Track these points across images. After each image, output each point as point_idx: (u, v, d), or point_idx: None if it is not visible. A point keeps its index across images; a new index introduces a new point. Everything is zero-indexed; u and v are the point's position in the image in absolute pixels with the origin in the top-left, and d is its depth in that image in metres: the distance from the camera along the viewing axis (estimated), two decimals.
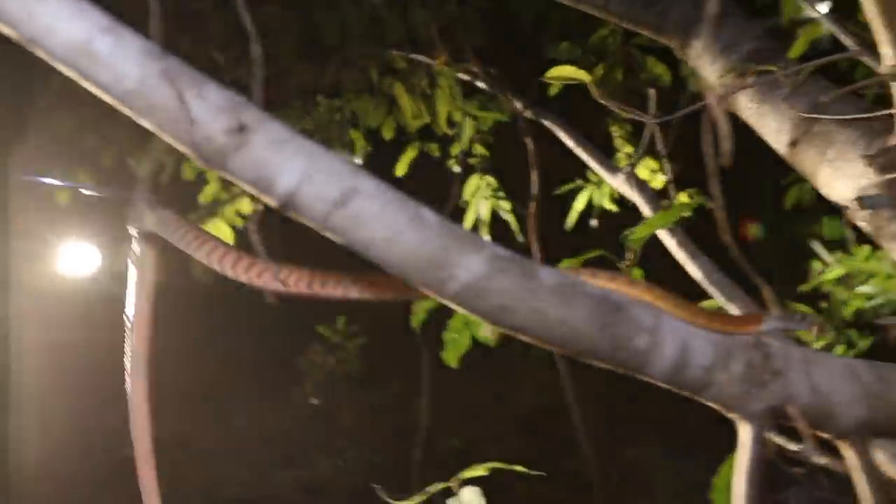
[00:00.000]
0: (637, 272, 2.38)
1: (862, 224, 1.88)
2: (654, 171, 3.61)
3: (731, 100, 2.22)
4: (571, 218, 3.75)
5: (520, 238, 3.97)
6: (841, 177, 1.87)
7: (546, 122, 3.22)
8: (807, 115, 1.93)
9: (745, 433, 0.97)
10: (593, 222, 3.85)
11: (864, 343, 2.45)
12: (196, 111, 0.80)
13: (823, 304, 3.57)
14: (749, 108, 2.15)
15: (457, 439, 5.21)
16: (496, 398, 5.65)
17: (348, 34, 4.21)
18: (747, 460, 0.95)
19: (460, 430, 5.25)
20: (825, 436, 1.01)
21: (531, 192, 3.23)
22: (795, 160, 2.04)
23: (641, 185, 2.64)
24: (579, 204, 3.77)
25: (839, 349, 2.49)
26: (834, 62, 1.80)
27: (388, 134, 4.38)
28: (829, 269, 3.60)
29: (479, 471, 1.46)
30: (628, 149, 3.78)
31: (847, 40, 1.32)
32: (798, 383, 0.97)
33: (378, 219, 0.84)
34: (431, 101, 3.91)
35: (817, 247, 3.48)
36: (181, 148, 0.81)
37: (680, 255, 2.48)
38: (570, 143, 3.07)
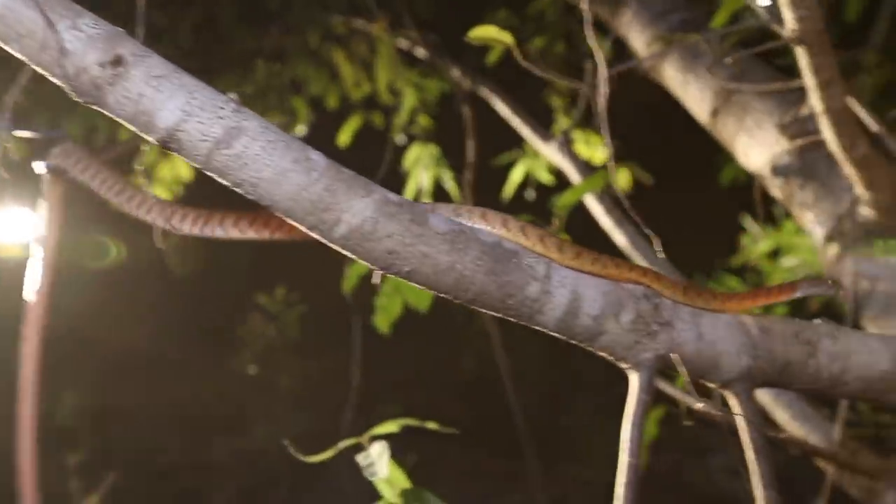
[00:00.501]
0: (565, 237, 2.41)
1: (775, 192, 1.93)
2: (592, 145, 3.64)
3: (658, 69, 2.25)
4: (509, 188, 3.77)
5: None
6: (757, 145, 1.92)
7: (482, 92, 3.21)
8: (727, 86, 1.97)
9: (633, 381, 0.99)
10: (530, 193, 3.87)
11: (779, 311, 2.52)
12: (68, 41, 0.77)
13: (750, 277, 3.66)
14: (674, 77, 2.18)
15: (396, 406, 5.22)
16: (438, 365, 5.67)
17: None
18: (634, 406, 0.97)
19: (400, 396, 5.27)
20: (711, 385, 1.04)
21: (467, 160, 3.23)
22: (716, 129, 2.07)
23: (571, 154, 2.66)
24: (516, 175, 3.78)
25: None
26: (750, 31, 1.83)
27: (332, 102, 4.33)
28: (757, 242, 3.69)
29: (391, 427, 1.47)
30: (566, 121, 3.80)
31: (759, 9, 1.34)
32: (685, 333, 0.99)
33: (262, 159, 0.83)
34: (372, 68, 3.87)
35: (747, 221, 3.55)
36: (56, 81, 0.79)
37: (606, 223, 2.51)
38: (504, 111, 3.07)
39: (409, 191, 3.94)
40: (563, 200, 2.14)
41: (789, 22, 1.24)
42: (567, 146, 2.71)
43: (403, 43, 3.72)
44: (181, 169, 4.61)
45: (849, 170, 1.48)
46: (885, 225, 1.59)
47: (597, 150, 3.69)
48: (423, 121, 4.07)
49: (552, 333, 0.99)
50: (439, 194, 4.02)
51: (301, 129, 4.45)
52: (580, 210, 2.73)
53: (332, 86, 4.29)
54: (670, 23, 2.22)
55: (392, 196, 0.90)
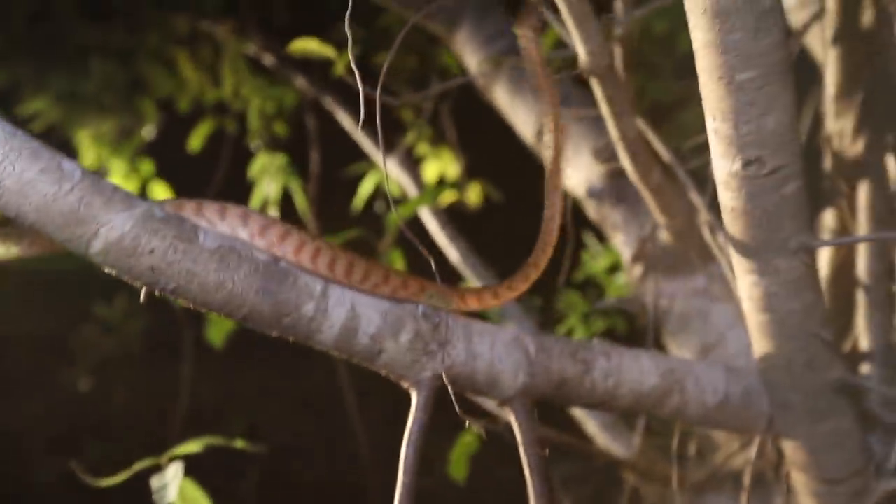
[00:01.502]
0: (396, 254, 2.42)
1: (591, 214, 2.02)
2: (444, 161, 3.70)
3: (490, 90, 2.31)
4: (358, 201, 3.76)
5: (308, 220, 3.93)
6: (576, 169, 2.00)
7: (326, 103, 3.19)
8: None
9: (413, 400, 1.00)
10: (378, 207, 3.88)
11: (598, 326, 2.65)
12: None
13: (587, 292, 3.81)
14: (503, 98, 2.25)
15: (243, 420, 5.08)
16: (286, 378, 5.56)
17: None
18: (411, 426, 0.98)
19: (248, 410, 5.12)
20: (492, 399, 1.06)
21: (311, 171, 3.20)
22: (540, 150, 2.15)
23: (411, 168, 2.69)
24: (365, 187, 3.78)
25: (578, 332, 2.67)
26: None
27: (182, 105, 4.18)
28: (596, 258, 3.85)
29: (192, 447, 1.42)
30: (414, 135, 3.84)
31: (568, 39, 1.40)
32: (464, 352, 1.01)
33: (5, 168, 0.78)
34: (218, 73, 3.76)
35: (588, 237, 3.71)
36: None
37: (440, 238, 2.55)
38: (348, 124, 3.07)
39: (255, 201, 3.85)
40: (394, 216, 2.16)
41: (581, 56, 1.30)
42: (407, 161, 2.74)
43: (251, 49, 3.64)
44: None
45: (647, 196, 1.58)
46: (679, 248, 1.70)
47: (449, 165, 3.76)
48: (279, 128, 4.00)
49: (333, 353, 0.98)
50: (287, 204, 3.95)
51: (148, 131, 4.27)
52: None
53: (181, 89, 4.15)
54: (500, 46, 2.29)
55: (158, 211, 0.86)
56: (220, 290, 0.88)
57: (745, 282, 0.95)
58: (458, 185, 3.62)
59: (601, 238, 3.67)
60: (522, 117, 2.18)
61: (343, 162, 3.88)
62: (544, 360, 1.06)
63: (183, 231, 0.87)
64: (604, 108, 1.39)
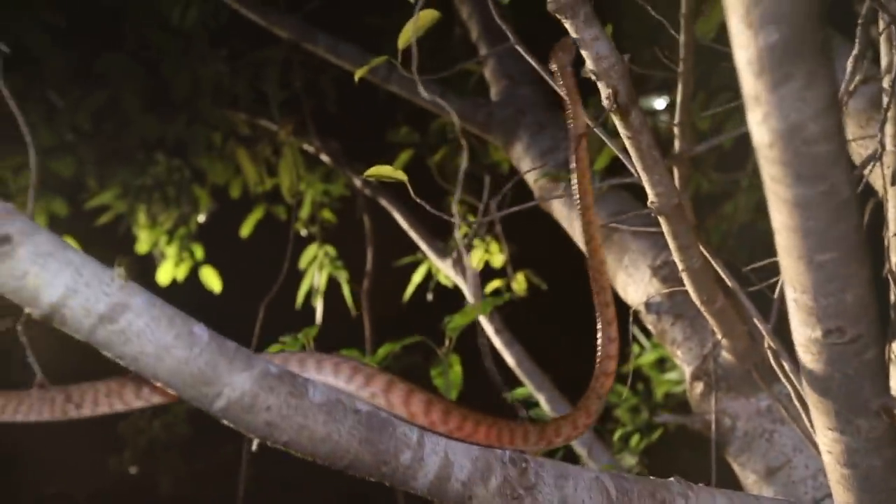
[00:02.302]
0: (454, 359, 2.47)
1: (650, 327, 2.06)
2: (489, 252, 3.77)
3: (547, 203, 2.39)
4: (408, 291, 3.84)
5: (354, 310, 4.01)
6: (633, 283, 2.05)
7: (382, 202, 3.30)
8: (607, 224, 2.12)
9: None
10: (429, 296, 3.95)
11: (655, 434, 2.65)
12: None
13: (640, 386, 3.81)
14: (560, 211, 2.33)
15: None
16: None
17: (197, 91, 4.17)
18: None
19: (290, 497, 5.13)
20: None
21: (367, 268, 3.29)
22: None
23: (466, 270, 2.76)
24: (416, 277, 3.87)
25: (634, 440, 2.67)
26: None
27: (234, 193, 4.34)
28: (645, 352, 3.86)
29: None
30: (465, 228, 3.93)
31: (630, 166, 1.47)
32: (549, 497, 1.05)
33: (146, 335, 0.85)
34: (275, 168, 3.92)
35: (636, 331, 3.73)
36: None
37: (496, 342, 2.60)
38: (403, 223, 3.17)
39: (302, 289, 3.95)
40: (455, 323, 2.21)
41: (651, 196, 1.37)
42: (460, 262, 2.81)
43: (308, 146, 3.80)
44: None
45: (710, 319, 1.62)
46: (742, 368, 1.72)
47: (495, 255, 3.83)
48: (326, 214, 4.12)
49: (427, 497, 1.03)
50: (332, 290, 4.04)
51: (201, 218, 4.43)
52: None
53: (234, 177, 4.31)
54: (556, 160, 2.38)
55: (272, 368, 0.93)
56: (328, 441, 0.94)
57: (825, 437, 0.99)
58: (505, 274, 3.68)
59: (647, 333, 3.68)
60: (580, 229, 2.25)
61: (392, 254, 3.98)
62: (625, 502, 1.09)
63: (295, 387, 0.94)
64: (670, 241, 1.45)
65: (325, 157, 3.72)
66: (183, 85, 4.21)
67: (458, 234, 3.67)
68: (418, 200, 1.83)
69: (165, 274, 4.38)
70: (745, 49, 0.75)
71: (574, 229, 2.27)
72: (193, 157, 4.35)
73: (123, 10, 4.10)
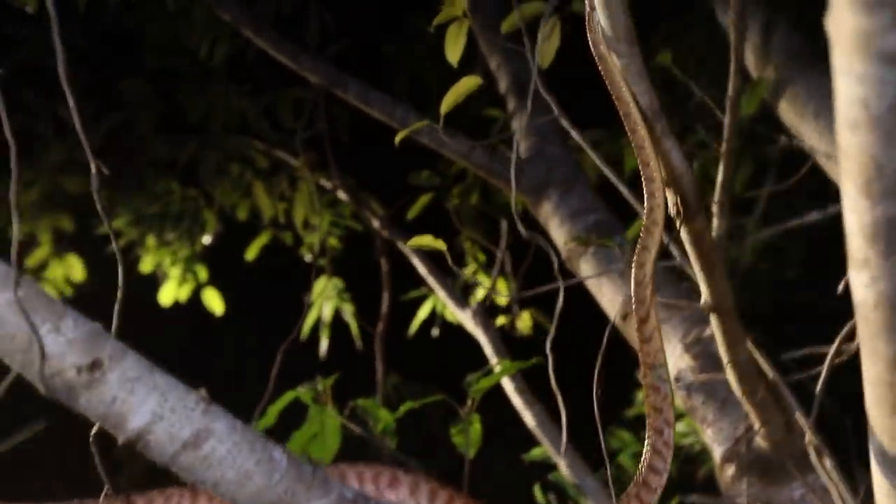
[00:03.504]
0: (475, 417, 2.46)
1: (679, 402, 2.05)
2: (498, 289, 3.76)
3: (574, 264, 2.39)
4: (413, 326, 3.83)
5: (359, 343, 3.99)
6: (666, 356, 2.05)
7: (400, 245, 3.29)
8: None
9: None
10: (434, 331, 3.94)
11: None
12: (49, 345, 0.77)
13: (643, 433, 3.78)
14: (589, 273, 2.32)
15: None
16: None
17: (212, 115, 4.16)
18: None
19: None
20: None
21: (381, 310, 3.28)
22: (626, 332, 2.20)
23: (486, 324, 2.75)
24: (422, 313, 3.86)
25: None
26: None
27: (242, 215, 4.32)
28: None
29: None
30: (474, 266, 3.92)
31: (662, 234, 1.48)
32: None
33: (228, 461, 0.84)
34: (290, 202, 3.91)
35: (639, 375, 3.71)
36: (28, 377, 0.79)
37: (517, 401, 2.59)
38: (422, 270, 3.16)
39: (309, 320, 3.92)
40: (479, 386, 2.20)
41: (704, 294, 1.37)
42: (481, 316, 2.80)
43: (325, 182, 3.79)
44: (74, 269, 4.46)
45: (747, 407, 1.62)
46: (776, 456, 1.72)
47: (502, 293, 3.82)
48: (333, 242, 4.10)
49: None
50: (338, 323, 4.02)
51: (206, 239, 4.40)
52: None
53: (242, 200, 4.30)
54: (586, 222, 2.38)
55: (348, 493, 0.92)
56: None
57: None
58: (510, 313, 3.67)
59: None
60: (608, 296, 2.25)
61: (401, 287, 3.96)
62: None
63: None
64: (719, 337, 1.45)
65: (342, 195, 3.71)
66: (198, 110, 4.21)
67: (480, 293, 3.67)
68: (451, 266, 1.83)
69: (168, 294, 4.35)
70: (858, 215, 0.75)
71: (600, 294, 2.26)
72: (204, 180, 4.34)
73: (143, 35, 4.09)
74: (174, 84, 4.21)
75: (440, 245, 1.82)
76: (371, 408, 2.66)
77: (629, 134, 1.11)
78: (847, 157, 0.72)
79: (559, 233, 2.43)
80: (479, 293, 3.80)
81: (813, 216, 1.51)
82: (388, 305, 3.29)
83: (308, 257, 4.19)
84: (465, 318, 2.82)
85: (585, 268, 2.32)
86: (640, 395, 3.80)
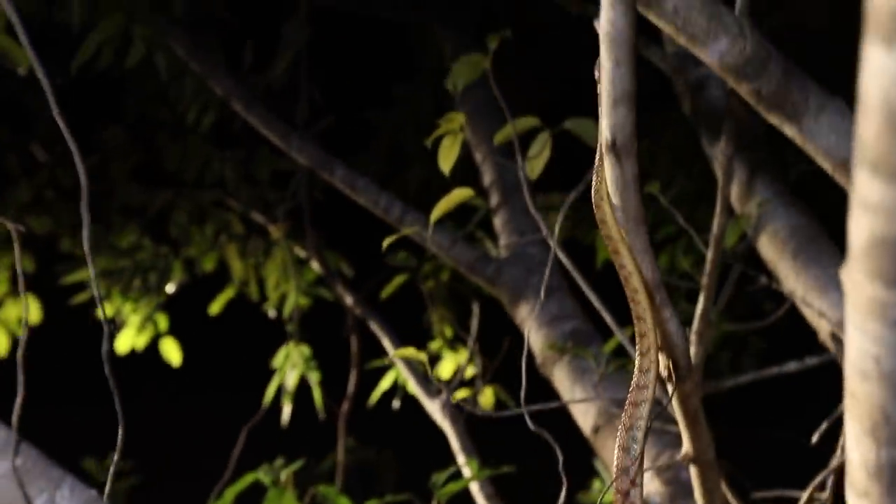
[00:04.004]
0: None
1: None
2: (453, 357, 3.76)
3: (548, 369, 2.40)
4: (374, 396, 3.79)
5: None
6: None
7: (372, 325, 3.28)
8: (610, 409, 2.13)
9: None
10: (395, 404, 3.90)
11: None
12: None
13: None
14: (563, 382, 2.34)
15: None
16: None
17: (188, 167, 4.14)
18: None
19: None
20: None
21: (348, 390, 3.25)
22: (597, 444, 2.22)
23: (454, 417, 2.74)
24: (384, 383, 3.82)
25: None
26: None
27: (208, 265, 4.27)
28: (605, 486, 3.84)
29: None
30: (441, 342, 3.90)
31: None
32: None
33: None
34: (263, 267, 3.88)
35: (598, 465, 3.72)
36: None
37: (480, 501, 2.57)
38: (390, 351, 3.14)
39: (271, 388, 3.86)
40: (446, 489, 2.19)
41: (686, 446, 1.38)
42: (450, 409, 2.79)
43: (300, 251, 3.77)
44: (31, 311, 4.37)
45: None
46: None
47: (465, 365, 3.81)
48: (302, 301, 4.06)
49: None
50: (302, 391, 3.96)
51: (170, 288, 4.33)
52: None
53: (210, 251, 4.26)
54: (563, 329, 2.40)
55: None
56: None
57: None
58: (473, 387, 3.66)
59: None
60: (582, 408, 2.26)
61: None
62: None
63: None
64: (697, 488, 1.46)
65: (316, 265, 3.70)
66: (173, 159, 4.19)
67: (445, 369, 3.65)
68: (435, 382, 1.82)
69: (125, 342, 4.25)
70: (861, 453, 0.77)
71: (576, 407, 2.28)
72: (174, 229, 4.30)
73: (125, 81, 4.07)
74: (153, 132, 4.20)
75: (422, 357, 1.82)
76: (332, 496, 2.62)
77: (630, 301, 1.13)
78: (853, 399, 0.75)
79: (535, 337, 2.45)
80: (445, 369, 3.80)
81: (791, 366, 1.54)
82: (355, 384, 3.26)
83: (272, 313, 4.15)
84: (433, 409, 2.81)
85: (560, 375, 2.34)
86: (596, 484, 3.80)
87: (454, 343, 3.92)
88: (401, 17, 3.51)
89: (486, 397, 3.68)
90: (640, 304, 1.11)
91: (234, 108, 2.85)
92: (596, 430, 2.19)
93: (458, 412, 2.73)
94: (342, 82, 4.09)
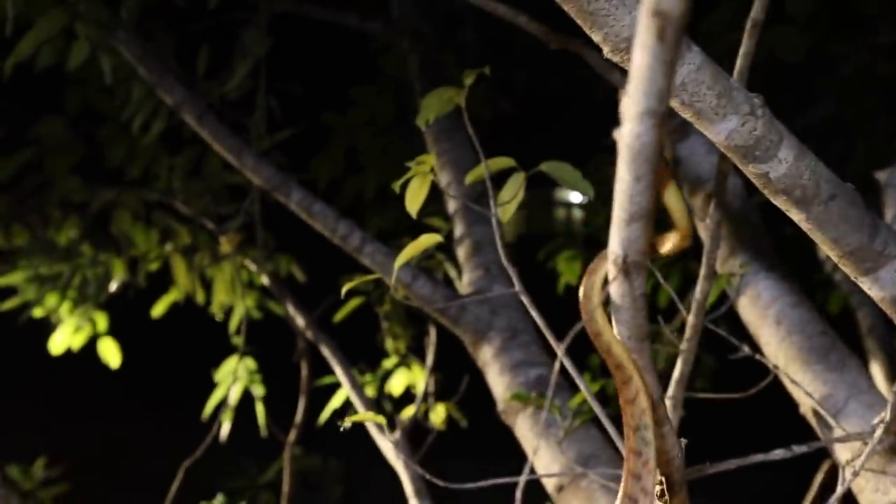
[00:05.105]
0: None
1: None
2: (414, 377, 3.63)
3: (510, 419, 2.29)
4: (324, 415, 3.64)
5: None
6: None
7: (323, 350, 3.13)
8: (574, 468, 2.02)
9: None
10: (346, 423, 3.76)
11: None
12: None
13: None
14: (526, 436, 2.22)
15: None
16: None
17: (133, 164, 3.92)
18: None
19: None
20: None
21: (295, 419, 3.09)
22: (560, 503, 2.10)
23: (409, 458, 2.60)
24: (334, 402, 3.68)
25: None
26: None
27: (153, 265, 4.06)
28: None
29: None
30: (395, 359, 3.76)
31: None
32: None
33: None
34: (211, 280, 3.69)
35: None
36: None
37: None
38: (343, 381, 3.00)
39: (212, 401, 3.68)
40: None
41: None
42: (405, 449, 2.66)
43: (251, 265, 3.59)
44: None
45: None
46: None
47: (418, 382, 3.69)
48: (254, 313, 3.87)
49: None
50: (246, 405, 3.78)
51: (113, 286, 4.11)
52: None
53: (156, 248, 4.05)
54: (528, 376, 2.28)
55: None
56: None
57: None
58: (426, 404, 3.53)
59: None
60: (544, 461, 2.15)
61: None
62: None
63: None
64: None
65: (265, 280, 3.52)
66: (117, 153, 3.96)
67: (397, 384, 3.52)
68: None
69: (60, 342, 4.01)
70: None
71: (538, 458, 2.16)
72: (117, 228, 4.08)
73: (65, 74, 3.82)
74: (96, 126, 3.96)
75: (380, 419, 1.68)
76: None
77: (622, 403, 1.02)
78: None
79: (497, 382, 2.33)
80: (397, 386, 3.67)
81: (777, 454, 1.44)
82: (303, 413, 3.10)
83: (219, 316, 3.95)
84: (386, 448, 2.67)
85: (523, 427, 2.22)
86: None
87: (408, 358, 3.79)
88: (364, 26, 3.35)
89: (438, 414, 3.55)
90: (643, 418, 0.99)
91: (185, 119, 2.65)
92: (559, 488, 2.08)
93: (412, 453, 2.60)
94: (301, 84, 3.91)
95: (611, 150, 0.81)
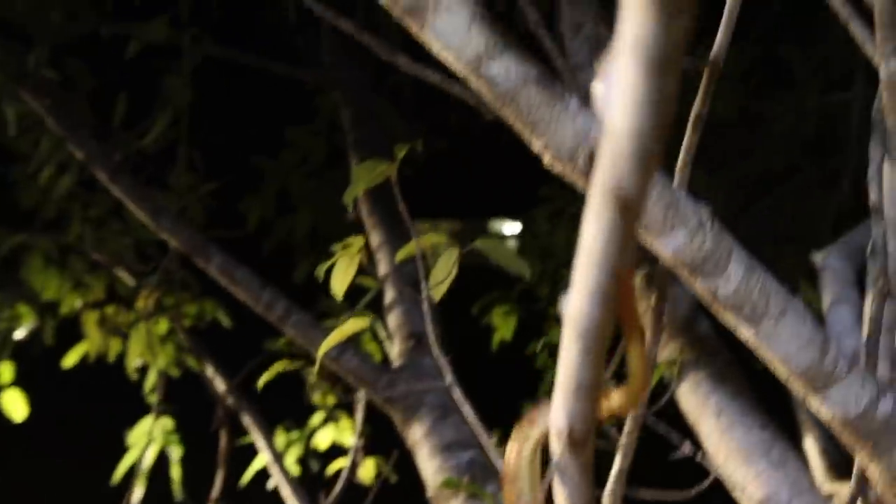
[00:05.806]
0: None
1: None
2: (342, 431, 3.50)
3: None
4: (246, 477, 3.46)
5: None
6: None
7: (243, 418, 2.95)
8: None
9: None
10: (270, 484, 3.61)
11: None
12: None
13: None
14: None
15: None
16: None
17: (47, 207, 3.69)
18: None
19: None
20: None
21: (213, 489, 2.90)
22: None
23: None
24: (257, 464, 3.51)
25: None
26: None
27: (65, 309, 3.82)
28: None
29: None
30: (323, 415, 3.62)
31: None
32: None
33: None
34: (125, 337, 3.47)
35: None
36: None
37: None
38: (260, 444, 2.84)
39: (124, 464, 3.44)
40: None
41: None
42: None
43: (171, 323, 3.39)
44: None
45: None
46: None
47: (345, 433, 3.54)
48: (173, 371, 3.66)
49: None
50: (161, 468, 3.56)
51: (20, 334, 3.85)
52: None
53: (70, 292, 3.81)
54: (460, 459, 2.17)
55: None
56: None
57: None
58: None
59: None
60: None
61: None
62: None
63: None
64: None
65: (183, 336, 3.33)
66: (30, 195, 3.72)
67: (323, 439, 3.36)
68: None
69: None
70: None
71: None
72: (26, 273, 3.83)
73: None
74: (6, 166, 3.72)
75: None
76: None
77: None
78: None
79: (428, 464, 2.20)
80: (323, 441, 3.53)
81: None
82: (221, 485, 2.91)
83: (135, 376, 3.73)
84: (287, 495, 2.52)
85: None
86: None
87: (336, 413, 3.66)
88: (294, 74, 3.24)
89: (367, 470, 3.40)
90: None
91: (97, 175, 2.48)
92: None
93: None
94: (231, 126, 3.76)
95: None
